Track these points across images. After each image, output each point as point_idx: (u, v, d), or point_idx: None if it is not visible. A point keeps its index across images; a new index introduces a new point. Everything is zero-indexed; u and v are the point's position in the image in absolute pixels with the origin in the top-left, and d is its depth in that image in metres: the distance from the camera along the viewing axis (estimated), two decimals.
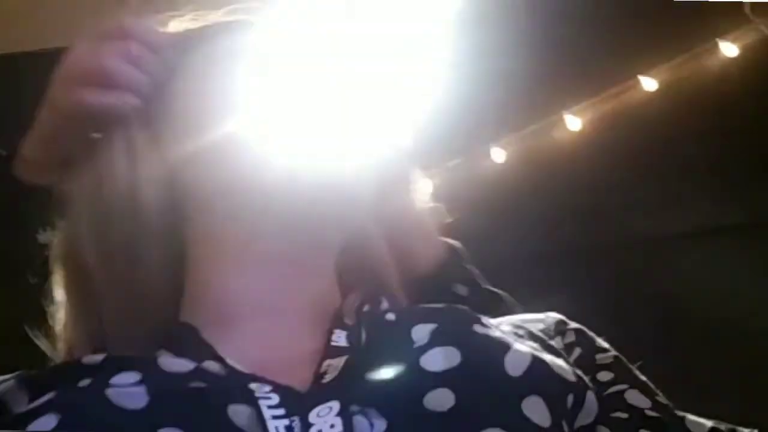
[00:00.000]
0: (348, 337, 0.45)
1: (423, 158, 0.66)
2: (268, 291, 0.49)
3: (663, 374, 0.50)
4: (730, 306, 1.77)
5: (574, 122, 2.00)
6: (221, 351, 0.43)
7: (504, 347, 0.42)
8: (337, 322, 0.48)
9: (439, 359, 0.41)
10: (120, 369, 0.39)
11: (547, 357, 0.43)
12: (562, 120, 2.01)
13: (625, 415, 0.46)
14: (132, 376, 0.38)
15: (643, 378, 0.50)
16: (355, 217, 0.52)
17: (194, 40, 0.54)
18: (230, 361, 0.42)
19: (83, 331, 0.51)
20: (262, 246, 0.49)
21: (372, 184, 0.52)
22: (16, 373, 0.40)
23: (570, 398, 0.42)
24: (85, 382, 0.39)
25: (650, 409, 0.47)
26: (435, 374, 0.40)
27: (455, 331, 0.43)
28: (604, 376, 0.49)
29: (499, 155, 2.04)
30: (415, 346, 0.42)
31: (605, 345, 0.52)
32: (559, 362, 0.44)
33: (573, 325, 0.54)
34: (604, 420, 0.44)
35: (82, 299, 0.51)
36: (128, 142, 0.51)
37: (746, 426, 0.46)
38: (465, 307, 0.47)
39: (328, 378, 0.41)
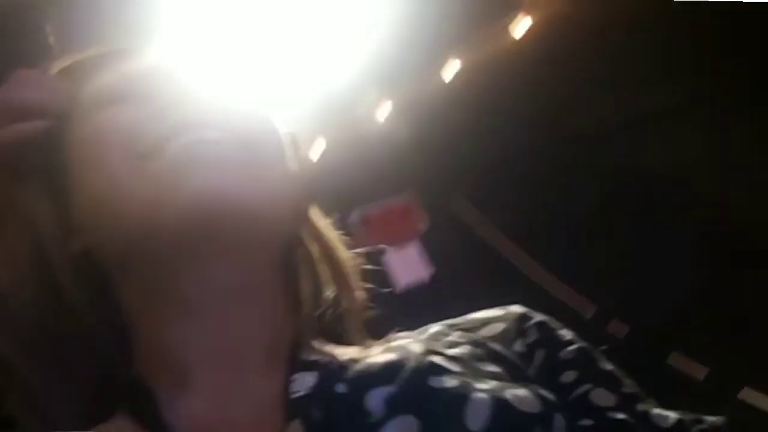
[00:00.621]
0: (313, 377, 0.45)
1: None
2: (210, 339, 0.47)
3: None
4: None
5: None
6: (176, 412, 0.45)
7: (462, 400, 0.42)
8: (294, 362, 0.47)
9: None
10: None
11: (509, 394, 0.43)
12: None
13: (589, 422, 0.45)
14: None
15: (609, 367, 0.50)
16: (255, 238, 0.48)
17: (77, 79, 0.54)
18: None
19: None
20: (180, 294, 0.47)
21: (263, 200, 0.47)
22: None
23: (537, 430, 0.42)
24: None
25: (615, 408, 0.46)
26: None
27: (410, 392, 0.42)
28: (568, 376, 0.48)
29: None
30: (371, 420, 0.41)
31: (568, 336, 0.52)
32: (522, 393, 0.43)
33: (535, 319, 0.53)
34: None
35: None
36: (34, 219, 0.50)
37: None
38: (418, 350, 0.46)
39: None
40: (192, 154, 0.45)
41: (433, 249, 2.00)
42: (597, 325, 1.81)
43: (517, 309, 0.54)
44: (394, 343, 0.49)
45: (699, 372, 1.67)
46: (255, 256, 0.48)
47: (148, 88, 0.50)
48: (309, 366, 0.47)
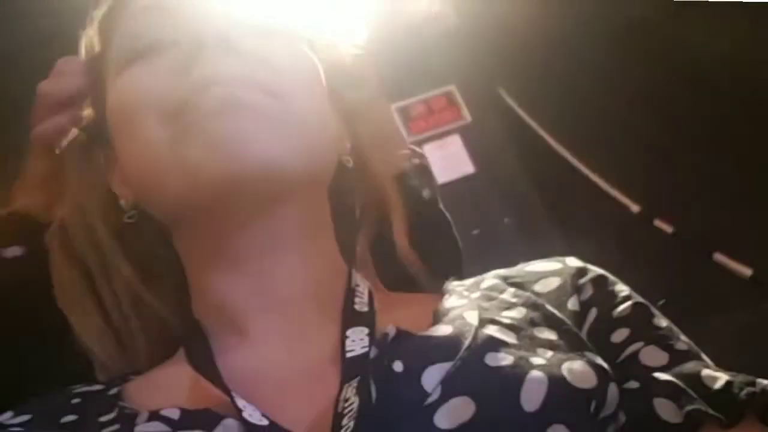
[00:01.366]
0: (367, 336, 0.45)
1: None
2: (259, 289, 0.48)
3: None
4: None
5: None
6: (231, 364, 0.45)
7: (518, 380, 0.41)
8: (349, 314, 0.47)
9: (452, 415, 0.39)
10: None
11: (565, 369, 0.42)
12: None
13: (636, 385, 0.44)
14: None
15: (664, 323, 0.48)
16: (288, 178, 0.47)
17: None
18: (236, 399, 0.41)
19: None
20: (224, 247, 0.48)
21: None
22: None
23: (593, 405, 0.41)
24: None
25: (664, 368, 0.45)
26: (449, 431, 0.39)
27: (467, 372, 0.41)
28: (621, 334, 0.47)
29: None
30: (428, 402, 0.40)
31: (624, 292, 0.50)
32: (578, 367, 0.42)
33: (591, 274, 0.51)
34: (622, 402, 0.43)
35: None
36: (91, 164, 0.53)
37: None
38: (474, 322, 0.45)
39: None
40: (214, 112, 0.44)
41: (476, 143, 1.97)
42: (644, 221, 1.78)
43: (573, 263, 0.53)
44: (448, 315, 0.47)
45: (744, 271, 1.65)
46: (292, 207, 0.48)
47: (168, 37, 0.48)
48: (362, 319, 0.47)
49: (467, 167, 1.92)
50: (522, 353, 0.43)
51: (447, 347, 0.43)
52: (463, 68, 2.05)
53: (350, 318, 0.47)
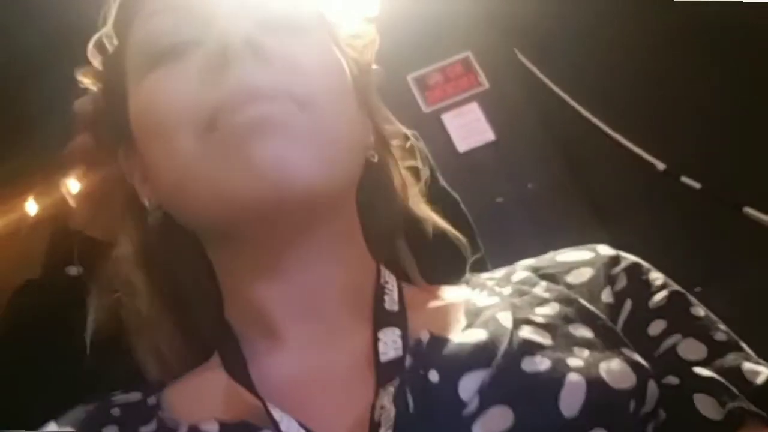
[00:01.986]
0: (399, 338, 0.44)
1: None
2: (291, 295, 0.47)
3: None
4: None
5: None
6: (265, 369, 0.45)
7: (556, 385, 0.40)
8: (380, 314, 0.46)
9: (491, 425, 0.39)
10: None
11: (603, 370, 0.41)
12: None
13: (675, 381, 0.43)
14: None
15: (702, 313, 0.47)
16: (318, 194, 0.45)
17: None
18: (270, 408, 0.42)
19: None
20: (255, 256, 0.47)
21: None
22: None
23: (632, 404, 0.40)
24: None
25: (704, 362, 0.44)
26: None
27: (504, 380, 0.40)
28: (657, 326, 0.46)
29: None
30: (466, 412, 0.39)
31: (660, 281, 0.48)
32: (615, 367, 0.41)
33: (624, 262, 0.49)
34: (662, 399, 0.42)
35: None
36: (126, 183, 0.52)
37: None
38: (507, 324, 0.44)
39: None
40: (247, 131, 0.43)
41: (495, 109, 1.94)
42: (670, 178, 1.75)
43: (605, 251, 0.51)
44: (481, 316, 0.46)
45: None
46: (328, 218, 0.47)
47: (190, 37, 0.47)
48: (394, 319, 0.46)
49: (488, 134, 1.90)
50: (558, 354, 0.42)
51: (482, 353, 0.42)
52: (478, 33, 2.02)
53: (381, 318, 0.46)
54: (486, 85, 1.97)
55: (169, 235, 0.50)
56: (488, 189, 1.79)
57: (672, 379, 0.43)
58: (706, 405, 0.42)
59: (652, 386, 0.42)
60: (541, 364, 0.41)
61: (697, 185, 1.78)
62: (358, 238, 0.51)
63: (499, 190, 1.80)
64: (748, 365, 0.43)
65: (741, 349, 0.44)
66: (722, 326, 0.46)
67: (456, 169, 1.79)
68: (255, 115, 0.43)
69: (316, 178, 0.44)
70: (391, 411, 0.40)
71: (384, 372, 0.42)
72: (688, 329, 0.45)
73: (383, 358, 0.43)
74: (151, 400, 0.48)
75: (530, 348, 0.42)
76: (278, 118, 0.44)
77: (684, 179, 1.79)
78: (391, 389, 0.41)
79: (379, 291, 0.49)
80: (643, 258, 0.51)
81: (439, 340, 0.43)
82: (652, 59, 1.79)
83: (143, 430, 0.44)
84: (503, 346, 0.42)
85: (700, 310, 0.47)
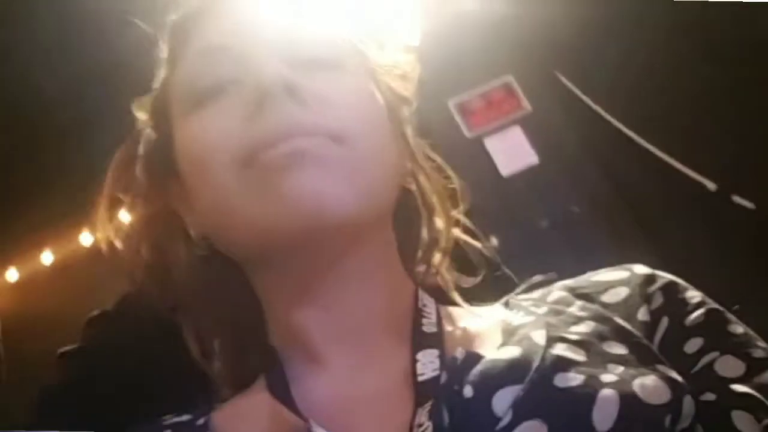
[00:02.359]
0: (437, 359, 0.46)
1: None
2: (331, 320, 0.49)
3: None
4: None
5: None
6: (308, 391, 0.47)
7: (589, 400, 0.40)
8: (419, 336, 0.48)
9: None
10: None
11: (637, 385, 0.41)
12: None
13: (712, 397, 0.43)
14: None
15: (740, 330, 0.46)
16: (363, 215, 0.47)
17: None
18: (313, 426, 0.43)
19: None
20: (295, 283, 0.49)
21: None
22: None
23: (667, 419, 0.40)
24: None
25: (741, 379, 0.43)
26: None
27: (537, 395, 0.41)
28: (694, 344, 0.46)
29: None
30: (499, 426, 0.40)
31: (697, 299, 0.48)
32: (650, 382, 0.41)
33: (661, 281, 0.50)
34: (699, 415, 0.42)
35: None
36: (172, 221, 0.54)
37: None
38: (541, 342, 0.45)
39: None
40: (284, 164, 0.45)
41: (538, 132, 1.93)
42: (721, 198, 1.71)
43: (641, 270, 0.51)
44: (516, 335, 0.47)
45: None
46: (366, 243, 0.49)
47: (230, 76, 0.49)
48: (432, 341, 0.48)
49: (531, 158, 1.89)
50: (592, 371, 0.42)
51: (516, 370, 0.43)
52: (519, 56, 2.02)
53: (420, 340, 0.48)
54: (529, 108, 1.96)
55: (216, 265, 0.52)
56: (532, 213, 1.78)
57: (709, 396, 0.43)
58: (743, 421, 0.41)
59: (688, 402, 0.41)
60: (574, 380, 0.41)
61: (750, 205, 1.74)
62: (395, 262, 0.52)
63: (544, 214, 1.78)
64: None
65: None
66: (761, 343, 0.45)
67: (500, 194, 1.79)
68: (290, 150, 0.45)
69: (350, 207, 0.45)
70: (429, 428, 0.41)
71: (422, 391, 0.44)
72: (725, 346, 0.45)
73: (421, 378, 0.45)
74: (200, 421, 0.49)
75: (563, 364, 0.43)
76: (313, 151, 0.45)
77: (736, 198, 1.75)
78: (428, 407, 0.42)
79: (417, 314, 0.49)
80: (689, 277, 0.50)
81: (473, 357, 0.44)
82: (693, 77, 1.77)
83: None
84: (536, 363, 0.43)
85: (738, 328, 0.46)
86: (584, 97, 1.91)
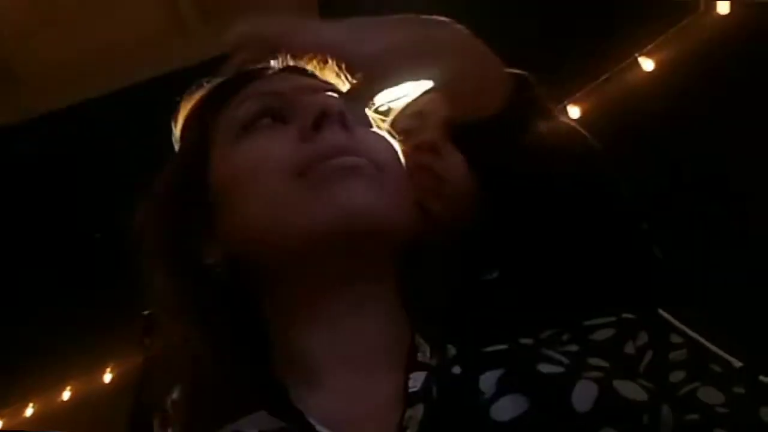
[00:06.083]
0: (424, 381, 0.50)
1: None
2: (340, 345, 0.54)
3: None
4: None
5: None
6: (308, 410, 0.50)
7: (569, 382, 0.44)
8: (413, 364, 0.52)
9: (507, 408, 0.44)
10: None
11: (616, 383, 0.44)
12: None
13: (695, 416, 0.45)
14: None
15: (719, 369, 0.50)
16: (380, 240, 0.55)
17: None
18: (317, 425, 0.48)
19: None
20: (313, 305, 0.54)
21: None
22: None
23: (645, 417, 0.43)
24: None
25: (723, 405, 0.46)
26: (504, 423, 0.43)
27: (521, 374, 0.46)
28: (677, 375, 0.49)
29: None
30: (484, 397, 0.45)
31: (680, 340, 0.52)
32: (629, 385, 0.45)
33: (646, 322, 0.53)
34: (680, 428, 0.44)
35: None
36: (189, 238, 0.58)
37: None
38: (529, 341, 0.50)
39: None
40: (337, 175, 0.53)
41: None
42: (749, 376, 1.67)
43: (628, 315, 0.55)
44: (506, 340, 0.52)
45: None
46: (380, 269, 0.56)
47: (287, 113, 0.58)
48: (424, 367, 0.52)
49: None
50: (573, 366, 0.46)
51: (502, 356, 0.48)
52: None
53: (414, 366, 0.52)
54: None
55: (225, 294, 0.57)
56: None
57: (692, 416, 0.45)
58: None
59: (666, 411, 0.43)
60: (557, 369, 0.46)
61: None
62: (397, 299, 0.58)
63: None
64: (766, 410, 0.45)
65: (763, 401, 0.46)
66: (742, 381, 0.48)
67: None
68: (345, 163, 0.54)
69: (387, 219, 0.54)
70: (420, 409, 0.47)
71: (412, 398, 0.49)
72: (707, 379, 0.47)
73: (412, 389, 0.50)
74: None
75: (547, 358, 0.47)
76: (363, 169, 0.55)
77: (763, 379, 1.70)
78: (421, 379, 0.49)
79: (413, 350, 0.54)
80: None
81: (464, 349, 0.51)
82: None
83: None
84: (521, 353, 0.48)
85: (717, 367, 0.49)
86: None
